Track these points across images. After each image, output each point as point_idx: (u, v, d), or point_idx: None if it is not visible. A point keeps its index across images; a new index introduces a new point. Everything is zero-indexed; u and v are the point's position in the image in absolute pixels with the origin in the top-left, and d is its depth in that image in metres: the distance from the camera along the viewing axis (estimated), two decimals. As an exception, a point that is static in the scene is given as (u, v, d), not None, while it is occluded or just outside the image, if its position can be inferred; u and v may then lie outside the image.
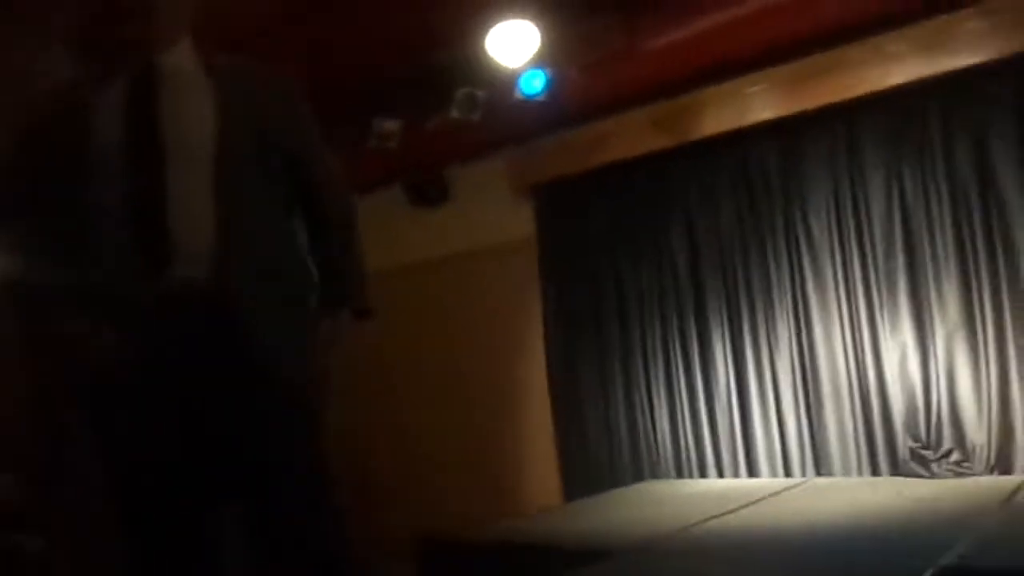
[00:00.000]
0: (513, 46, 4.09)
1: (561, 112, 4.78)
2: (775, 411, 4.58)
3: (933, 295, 4.12)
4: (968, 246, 4.04)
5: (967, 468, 3.98)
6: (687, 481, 4.76)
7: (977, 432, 3.99)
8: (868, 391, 4.29)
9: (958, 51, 3.91)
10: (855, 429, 4.32)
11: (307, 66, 4.52)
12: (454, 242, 5.60)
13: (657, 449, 4.92)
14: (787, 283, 4.53)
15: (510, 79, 4.39)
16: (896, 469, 4.19)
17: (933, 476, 4.02)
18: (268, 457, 1.54)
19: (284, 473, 1.55)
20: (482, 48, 4.13)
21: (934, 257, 4.13)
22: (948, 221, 4.10)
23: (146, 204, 1.55)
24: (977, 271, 4.02)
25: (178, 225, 1.54)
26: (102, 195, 1.56)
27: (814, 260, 4.45)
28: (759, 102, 4.45)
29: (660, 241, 4.91)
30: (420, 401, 5.67)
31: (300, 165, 1.74)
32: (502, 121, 4.80)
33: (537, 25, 4.07)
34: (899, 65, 4.06)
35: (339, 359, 1.72)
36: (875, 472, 4.26)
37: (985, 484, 3.75)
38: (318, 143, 1.83)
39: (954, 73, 3.95)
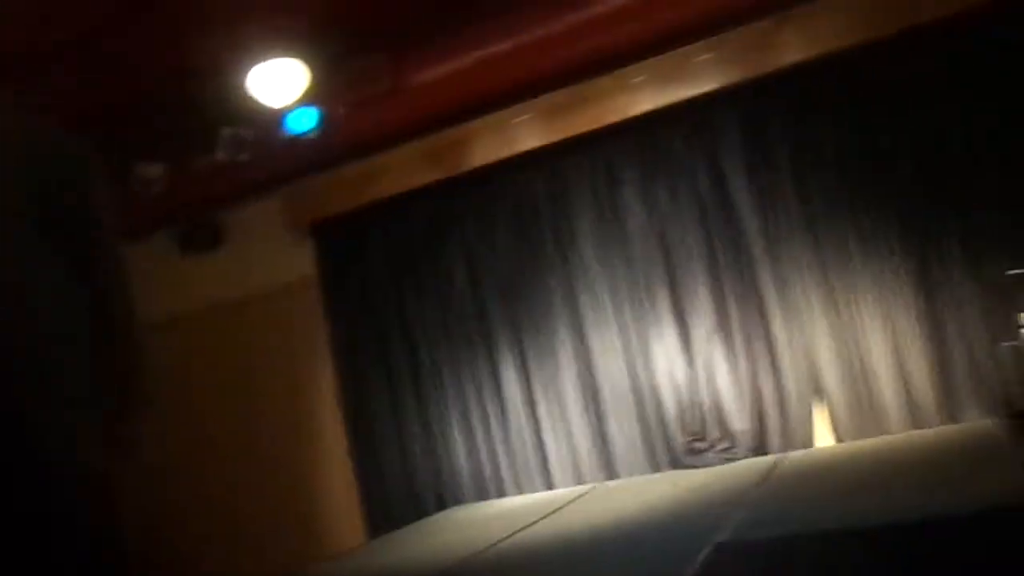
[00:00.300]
0: (279, 84, 4.06)
1: (333, 149, 4.79)
2: (563, 424, 4.81)
3: (690, 302, 4.53)
4: (718, 256, 4.48)
5: (734, 454, 4.39)
6: (488, 503, 4.88)
7: (738, 421, 4.41)
8: (643, 394, 4.63)
9: (690, 81, 4.36)
10: (635, 432, 4.64)
11: (66, 103, 4.26)
12: (232, 287, 5.39)
13: (457, 474, 5.00)
14: (563, 301, 4.79)
15: (277, 117, 4.34)
16: (675, 464, 4.54)
17: (706, 466, 4.39)
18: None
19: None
20: (244, 87, 4.05)
21: (689, 268, 4.54)
22: (698, 235, 4.53)
23: None
24: (724, 278, 4.46)
25: None
26: None
27: (585, 276, 4.74)
28: (524, 132, 4.70)
29: (441, 271, 5.02)
30: (217, 451, 5.38)
31: (85, 253, 1.51)
32: (273, 160, 4.73)
33: (305, 62, 4.06)
34: (641, 95, 4.46)
35: (132, 463, 1.58)
36: (656, 469, 4.59)
37: (748, 466, 4.16)
38: (109, 231, 1.60)
39: (688, 101, 4.40)
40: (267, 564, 4.59)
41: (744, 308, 4.42)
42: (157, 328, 5.82)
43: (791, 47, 4.15)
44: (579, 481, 4.76)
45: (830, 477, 3.52)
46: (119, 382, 1.56)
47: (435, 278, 5.02)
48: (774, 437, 4.36)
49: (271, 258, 5.33)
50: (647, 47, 4.34)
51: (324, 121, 4.46)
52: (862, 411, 4.16)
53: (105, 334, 1.53)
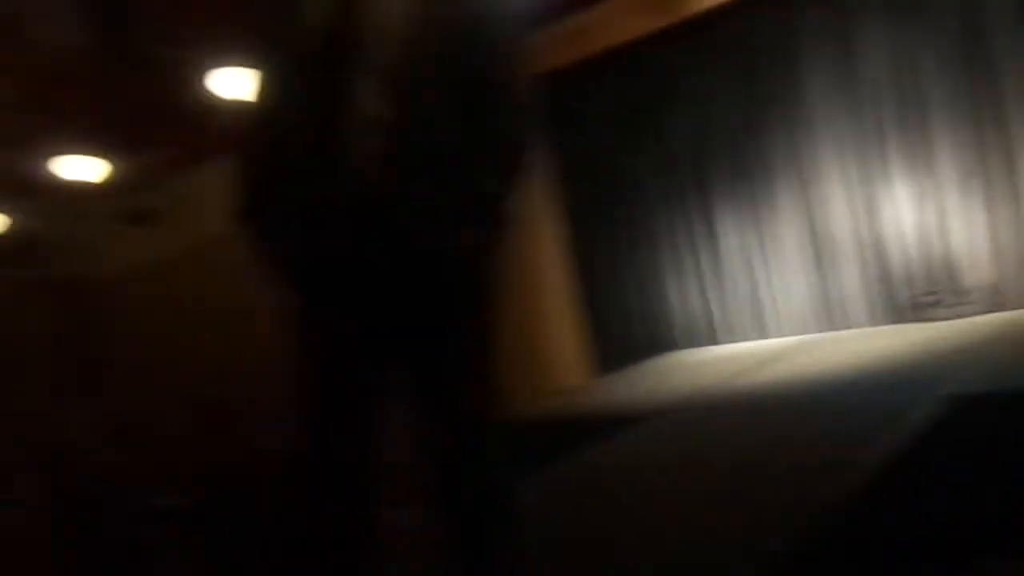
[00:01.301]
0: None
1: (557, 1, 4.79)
2: (780, 274, 4.81)
3: (924, 148, 4.27)
4: (960, 100, 4.14)
5: (966, 309, 4.22)
6: (703, 349, 5.04)
7: (973, 275, 4.21)
8: (869, 245, 4.50)
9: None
10: (860, 283, 4.56)
11: None
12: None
13: (673, 322, 5.17)
14: (785, 150, 4.67)
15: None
16: (901, 318, 4.43)
17: (935, 320, 4.27)
18: (438, 330, 1.72)
19: (451, 344, 1.74)
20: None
21: (926, 112, 4.24)
22: (940, 75, 4.18)
23: (328, 100, 1.63)
24: (967, 122, 4.14)
25: (357, 128, 1.61)
26: (295, 86, 1.65)
27: (811, 123, 4.57)
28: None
29: (661, 120, 5.02)
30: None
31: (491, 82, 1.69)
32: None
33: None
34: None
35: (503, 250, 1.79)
36: (881, 322, 4.51)
37: (983, 322, 4.00)
38: (516, 64, 1.74)
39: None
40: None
41: (988, 155, 4.12)
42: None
43: None
44: (796, 332, 4.78)
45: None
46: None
47: (655, 128, 5.03)
48: (1012, 293, 4.14)
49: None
50: None
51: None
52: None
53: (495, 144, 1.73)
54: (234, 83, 5.26)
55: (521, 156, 1.78)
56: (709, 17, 4.67)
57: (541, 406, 4.24)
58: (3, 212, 6.40)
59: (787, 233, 4.76)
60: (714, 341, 5.06)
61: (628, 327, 5.30)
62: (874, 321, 4.54)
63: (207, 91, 5.26)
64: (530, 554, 1.80)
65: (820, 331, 4.69)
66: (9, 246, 6.77)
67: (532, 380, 5.51)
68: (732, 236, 4.93)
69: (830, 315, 4.68)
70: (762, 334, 4.91)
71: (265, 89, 1.81)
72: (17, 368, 6.29)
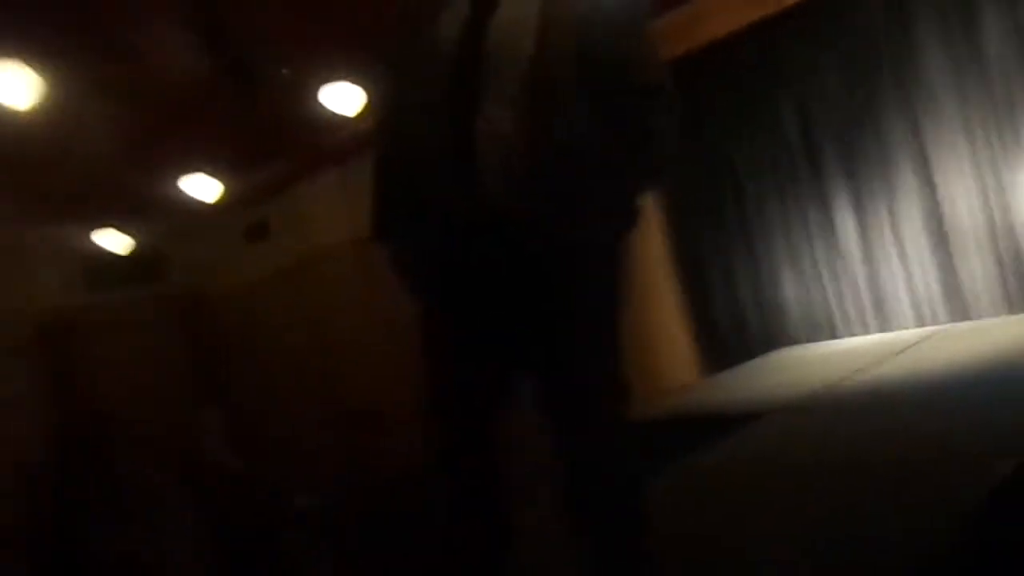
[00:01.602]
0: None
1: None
2: (903, 264, 4.62)
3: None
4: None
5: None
6: (821, 344, 4.88)
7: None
8: (998, 231, 4.28)
9: None
10: (989, 272, 4.34)
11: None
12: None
13: (788, 316, 5.04)
14: (904, 133, 4.49)
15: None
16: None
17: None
18: (572, 329, 1.74)
19: (584, 343, 1.75)
20: None
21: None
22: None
23: (459, 117, 1.68)
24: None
25: (486, 143, 1.66)
26: (428, 99, 1.71)
27: (932, 106, 4.38)
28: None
29: (772, 108, 4.90)
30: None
31: (623, 73, 1.70)
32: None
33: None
34: None
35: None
36: (1012, 312, 4.28)
37: None
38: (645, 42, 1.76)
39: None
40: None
41: None
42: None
43: None
44: (920, 324, 4.59)
45: None
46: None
47: (766, 116, 4.92)
48: None
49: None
50: None
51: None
52: None
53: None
54: (343, 97, 5.45)
55: (663, 151, 1.79)
56: (815, 2, 4.53)
57: (657, 405, 4.20)
58: (129, 231, 6.79)
59: (909, 220, 4.57)
60: (833, 335, 4.90)
61: (743, 323, 5.19)
62: (1005, 311, 4.31)
63: (318, 105, 5.46)
64: (662, 555, 1.80)
65: (947, 322, 4.49)
66: (137, 264, 7.17)
67: (645, 380, 5.48)
68: (850, 225, 4.77)
69: (957, 305, 4.47)
70: (884, 327, 4.73)
71: (397, 104, 1.87)
72: (155, 382, 6.65)
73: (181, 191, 6.49)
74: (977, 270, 4.38)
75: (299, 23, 4.54)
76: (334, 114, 5.42)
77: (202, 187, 6.43)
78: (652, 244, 5.40)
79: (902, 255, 4.62)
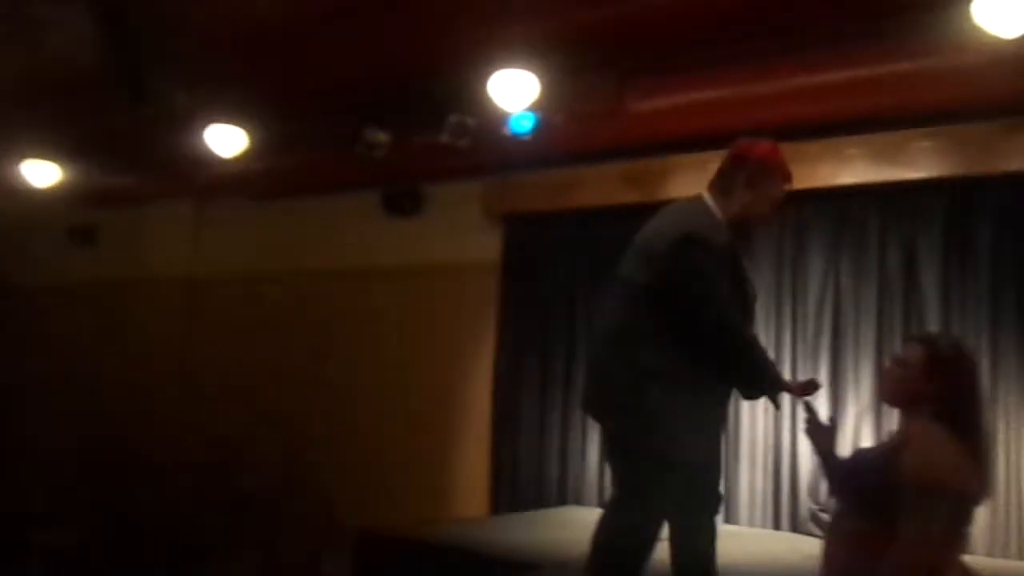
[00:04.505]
0: (512, 91, 4.41)
1: (542, 153, 5.11)
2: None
3: (850, 376, 4.57)
4: (887, 339, 4.49)
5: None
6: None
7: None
8: (783, 453, 4.71)
9: (904, 164, 4.38)
10: (766, 486, 4.74)
11: (315, 70, 4.81)
12: (421, 253, 5.88)
13: (583, 476, 5.25)
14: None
15: (502, 116, 4.70)
16: (797, 527, 4.61)
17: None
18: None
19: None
20: (484, 87, 4.43)
21: (856, 343, 4.57)
22: (873, 311, 4.55)
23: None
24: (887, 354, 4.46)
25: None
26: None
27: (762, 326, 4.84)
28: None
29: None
30: (365, 399, 5.91)
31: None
32: (486, 150, 5.11)
33: (537, 75, 4.39)
34: (850, 167, 4.51)
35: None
36: (777, 527, 4.68)
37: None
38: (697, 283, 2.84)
39: (896, 183, 4.42)
40: (395, 517, 4.97)
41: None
42: (345, 276, 6.45)
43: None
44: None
45: None
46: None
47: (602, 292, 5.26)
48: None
49: (462, 236, 5.76)
50: (869, 124, 4.39)
51: (540, 126, 4.79)
52: None
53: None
54: (224, 138, 5.39)
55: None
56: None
57: (437, 530, 4.22)
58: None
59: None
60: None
61: (540, 471, 5.35)
62: (775, 525, 4.70)
63: (198, 139, 5.37)
64: None
65: (720, 521, 4.79)
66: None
67: (429, 499, 5.49)
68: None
69: (732, 509, 4.82)
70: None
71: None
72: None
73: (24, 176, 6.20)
74: (755, 481, 4.77)
75: (216, 60, 4.54)
76: (211, 152, 5.36)
77: (41, 175, 6.20)
78: (476, 379, 5.56)
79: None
